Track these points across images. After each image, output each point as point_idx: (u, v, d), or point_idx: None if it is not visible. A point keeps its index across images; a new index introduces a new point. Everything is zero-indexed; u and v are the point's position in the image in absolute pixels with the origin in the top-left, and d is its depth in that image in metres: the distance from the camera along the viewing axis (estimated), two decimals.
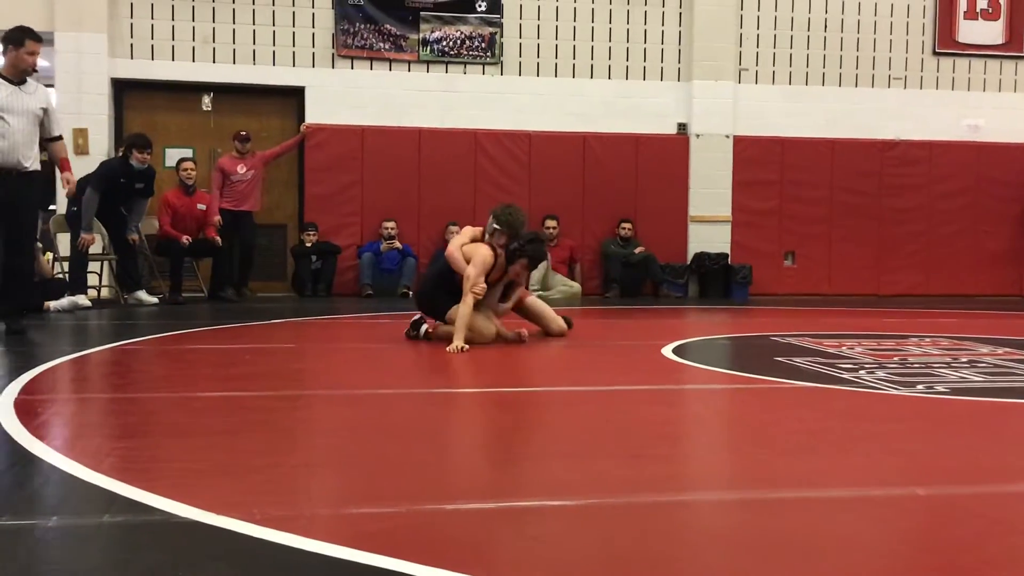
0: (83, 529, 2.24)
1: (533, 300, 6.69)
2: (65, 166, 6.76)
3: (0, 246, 6.26)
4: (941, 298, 11.28)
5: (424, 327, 6.19)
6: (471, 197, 10.65)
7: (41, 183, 6.57)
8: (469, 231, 6.35)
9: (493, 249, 6.09)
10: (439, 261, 6.69)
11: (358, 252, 10.50)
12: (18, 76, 6.31)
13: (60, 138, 6.65)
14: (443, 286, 6.23)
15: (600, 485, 2.73)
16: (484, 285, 5.96)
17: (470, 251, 6.09)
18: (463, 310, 5.82)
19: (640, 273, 10.95)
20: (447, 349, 5.61)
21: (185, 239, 9.24)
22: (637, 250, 10.89)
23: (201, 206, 9.58)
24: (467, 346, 5.66)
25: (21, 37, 6.29)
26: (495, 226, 6.19)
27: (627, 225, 10.96)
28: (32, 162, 6.28)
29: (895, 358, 5.56)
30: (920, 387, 4.47)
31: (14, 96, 6.23)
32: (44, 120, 6.38)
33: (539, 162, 10.94)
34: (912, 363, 5.35)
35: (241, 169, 9.89)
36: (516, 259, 6.06)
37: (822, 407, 4.15)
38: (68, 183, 6.83)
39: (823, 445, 3.35)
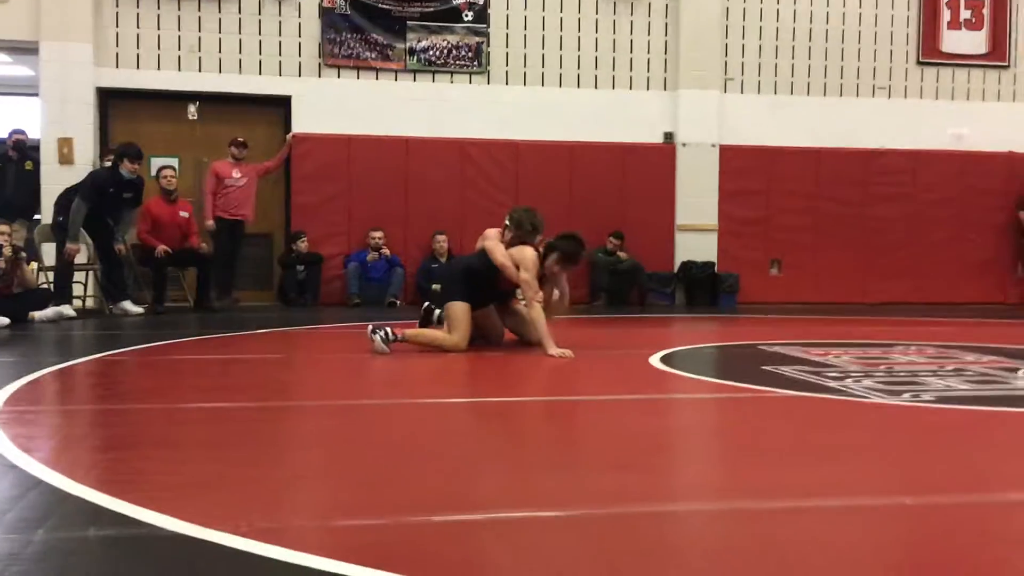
0: (69, 543, 2.23)
1: (519, 307, 6.67)
2: None
3: None
4: (927, 306, 11.32)
5: (388, 330, 6.11)
6: (459, 207, 10.65)
7: None
8: (495, 233, 6.47)
9: (536, 249, 6.25)
10: (468, 259, 6.69)
11: (344, 262, 10.48)
12: None
13: None
14: (468, 280, 6.29)
15: (588, 495, 2.72)
16: (540, 290, 6.20)
17: (517, 256, 6.23)
18: (536, 315, 6.10)
19: (627, 282, 10.95)
20: (553, 354, 5.85)
21: (161, 249, 9.11)
22: (622, 255, 10.90)
23: (184, 214, 9.49)
24: (568, 351, 5.90)
25: None
26: (506, 222, 6.48)
27: (616, 241, 10.93)
28: None
29: (881, 366, 5.58)
30: (906, 396, 4.48)
31: None
32: None
33: (526, 171, 10.95)
34: (898, 371, 5.37)
35: (236, 174, 9.81)
36: (548, 256, 6.22)
37: (809, 416, 4.16)
38: None
39: (810, 454, 3.35)
